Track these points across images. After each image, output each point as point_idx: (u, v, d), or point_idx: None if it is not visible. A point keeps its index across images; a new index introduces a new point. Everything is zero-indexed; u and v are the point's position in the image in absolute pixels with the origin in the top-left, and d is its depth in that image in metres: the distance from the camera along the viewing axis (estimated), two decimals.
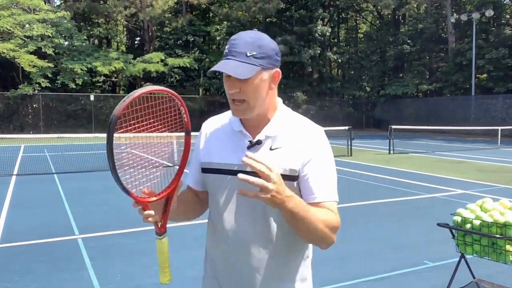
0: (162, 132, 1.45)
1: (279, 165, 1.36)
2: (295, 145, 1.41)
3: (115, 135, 1.25)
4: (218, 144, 1.49)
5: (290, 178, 1.38)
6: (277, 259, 1.43)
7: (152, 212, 1.35)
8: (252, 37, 1.37)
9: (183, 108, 1.42)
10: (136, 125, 1.35)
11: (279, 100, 1.50)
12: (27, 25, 27.46)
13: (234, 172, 1.39)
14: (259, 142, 1.41)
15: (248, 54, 1.34)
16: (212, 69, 1.34)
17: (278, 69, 1.42)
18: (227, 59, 1.34)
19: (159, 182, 1.45)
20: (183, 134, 1.46)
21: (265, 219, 1.40)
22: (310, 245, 1.52)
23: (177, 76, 31.93)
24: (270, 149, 1.41)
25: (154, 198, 1.36)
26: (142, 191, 1.35)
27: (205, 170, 1.50)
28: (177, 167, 1.45)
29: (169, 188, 1.40)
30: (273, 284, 1.44)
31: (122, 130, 1.28)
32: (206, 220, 1.58)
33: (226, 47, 1.37)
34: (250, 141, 1.42)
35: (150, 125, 1.41)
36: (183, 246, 4.92)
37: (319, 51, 36.17)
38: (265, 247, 1.41)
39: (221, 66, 1.33)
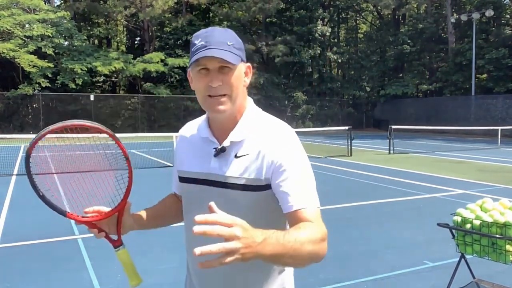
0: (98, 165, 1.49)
1: (246, 174, 1.29)
2: (263, 150, 1.30)
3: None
4: (189, 152, 1.44)
5: (260, 188, 1.29)
6: (254, 275, 1.35)
7: (95, 230, 1.38)
8: (223, 30, 1.33)
9: (116, 142, 1.40)
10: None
11: (249, 100, 1.41)
12: (27, 25, 27.45)
13: (201, 182, 1.36)
14: (223, 150, 1.33)
15: (229, 43, 1.28)
16: (201, 55, 1.24)
17: (249, 64, 1.36)
18: (209, 49, 1.25)
19: (108, 201, 1.46)
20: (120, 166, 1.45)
21: None
22: None
23: (177, 76, 31.92)
24: (236, 156, 1.32)
25: (98, 218, 1.39)
26: (85, 211, 1.39)
27: (180, 179, 1.47)
28: (124, 187, 1.44)
29: (116, 208, 1.41)
30: None
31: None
32: None
33: (198, 41, 1.29)
34: (215, 149, 1.35)
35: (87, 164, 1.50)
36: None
37: (319, 51, 36.20)
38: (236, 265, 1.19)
39: (209, 53, 1.24)
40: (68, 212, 1.40)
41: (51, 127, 1.33)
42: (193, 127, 1.49)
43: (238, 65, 1.29)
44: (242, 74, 1.33)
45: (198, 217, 0.96)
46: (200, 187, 1.37)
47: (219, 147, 1.34)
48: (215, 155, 1.34)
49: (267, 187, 1.29)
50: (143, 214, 1.52)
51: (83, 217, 1.38)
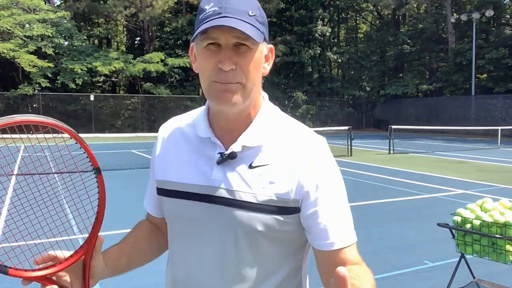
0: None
1: (263, 191, 0.97)
2: (287, 163, 0.99)
3: None
4: (177, 157, 1.08)
5: (281, 211, 0.98)
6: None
7: (55, 287, 0.96)
8: None
9: (82, 145, 1.02)
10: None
11: (265, 95, 1.09)
12: (27, 25, 27.44)
13: (196, 197, 1.01)
14: (233, 156, 0.99)
15: (251, 14, 0.94)
16: (212, 24, 0.90)
17: (271, 45, 1.05)
18: (224, 17, 0.91)
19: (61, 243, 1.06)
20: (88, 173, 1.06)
21: (237, 263, 1.00)
22: (305, 265, 1.12)
23: (177, 76, 31.93)
24: (250, 166, 1.00)
25: (47, 271, 0.96)
26: (35, 262, 0.97)
27: (159, 191, 1.10)
28: (93, 217, 1.07)
29: (82, 249, 1.02)
30: None
31: None
32: None
33: (209, 6, 0.94)
34: (221, 154, 1.01)
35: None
36: None
37: (319, 51, 36.20)
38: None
39: (224, 21, 0.90)
40: (11, 268, 0.95)
41: None
42: (182, 124, 1.12)
43: (260, 44, 0.97)
44: (263, 58, 1.01)
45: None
46: (195, 204, 1.02)
47: (226, 152, 1.01)
48: (219, 163, 1.01)
49: (295, 211, 0.99)
50: (114, 251, 1.11)
51: (33, 270, 0.97)
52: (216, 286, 1.01)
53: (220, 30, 0.91)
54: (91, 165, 1.02)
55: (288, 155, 1.00)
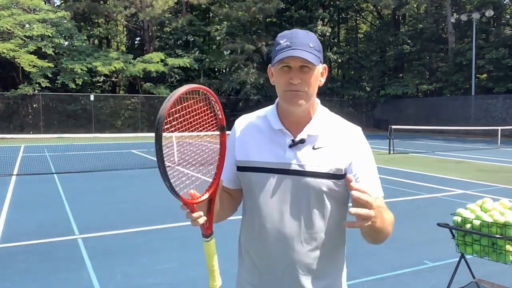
0: (200, 131, 1.41)
1: (324, 164, 1.42)
2: (338, 144, 1.44)
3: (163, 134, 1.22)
4: (255, 143, 1.49)
5: (336, 177, 1.42)
6: (321, 255, 1.46)
7: (201, 213, 1.32)
8: (306, 32, 1.42)
9: (218, 105, 1.40)
10: (177, 126, 1.31)
11: (317, 100, 1.53)
12: (27, 25, 27.46)
13: (275, 171, 1.44)
14: (302, 141, 1.43)
15: (311, 45, 1.38)
16: (286, 55, 1.34)
17: (325, 65, 1.48)
18: (293, 49, 1.35)
19: (201, 182, 1.43)
20: (217, 133, 1.44)
21: (310, 215, 1.43)
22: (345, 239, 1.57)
23: (177, 76, 31.94)
24: (313, 148, 1.44)
25: (202, 199, 1.34)
26: (189, 193, 1.33)
27: (242, 169, 1.50)
28: (215, 166, 1.43)
29: (211, 188, 1.39)
30: (318, 280, 1.47)
31: (164, 130, 1.22)
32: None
33: (283, 41, 1.38)
34: (292, 140, 1.44)
35: (189, 125, 1.36)
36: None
37: None
38: (309, 243, 1.44)
39: (294, 53, 1.34)
40: (182, 195, 1.30)
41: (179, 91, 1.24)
42: (255, 119, 1.54)
43: (317, 66, 1.40)
44: (319, 74, 1.44)
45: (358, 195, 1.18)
46: (275, 176, 1.44)
47: (297, 139, 1.44)
48: (290, 146, 1.43)
49: (342, 177, 1.42)
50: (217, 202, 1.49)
51: (188, 200, 1.31)
52: (294, 231, 1.44)
53: (291, 58, 1.36)
54: (219, 124, 1.43)
55: (336, 140, 1.45)
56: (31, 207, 7.26)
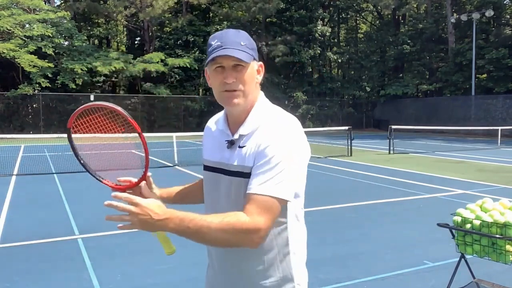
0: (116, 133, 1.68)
1: (240, 163, 1.42)
2: (254, 142, 1.41)
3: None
4: (208, 143, 1.60)
5: (242, 175, 1.41)
6: (253, 256, 1.44)
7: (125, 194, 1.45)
8: (237, 31, 1.43)
9: (124, 116, 1.52)
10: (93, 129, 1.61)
11: (261, 94, 1.51)
12: (27, 25, 27.47)
13: (215, 170, 1.51)
14: (233, 142, 1.46)
15: (242, 44, 1.39)
16: (216, 54, 1.36)
17: (261, 62, 1.48)
18: (224, 48, 1.36)
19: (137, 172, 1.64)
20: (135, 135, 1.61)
21: (236, 200, 1.44)
22: (297, 242, 1.49)
23: (177, 76, 31.94)
24: (239, 147, 1.45)
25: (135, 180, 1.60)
26: (118, 180, 1.58)
27: (202, 166, 1.62)
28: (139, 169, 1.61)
29: (142, 178, 1.61)
30: (255, 281, 1.46)
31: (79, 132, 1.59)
32: None
33: (214, 41, 1.40)
34: (227, 141, 1.48)
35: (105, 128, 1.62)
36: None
37: (319, 51, 36.20)
38: (239, 254, 1.45)
39: (225, 52, 1.36)
40: (104, 180, 1.59)
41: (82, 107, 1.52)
42: (214, 120, 1.63)
43: (251, 63, 1.41)
44: (255, 71, 1.44)
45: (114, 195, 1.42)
46: (214, 175, 1.51)
47: (230, 139, 1.47)
48: (228, 146, 1.47)
49: (248, 175, 1.40)
50: (173, 189, 1.74)
51: (116, 185, 1.56)
52: (225, 210, 1.41)
53: (223, 57, 1.37)
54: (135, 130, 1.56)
55: (258, 136, 1.41)
56: (31, 207, 7.26)
